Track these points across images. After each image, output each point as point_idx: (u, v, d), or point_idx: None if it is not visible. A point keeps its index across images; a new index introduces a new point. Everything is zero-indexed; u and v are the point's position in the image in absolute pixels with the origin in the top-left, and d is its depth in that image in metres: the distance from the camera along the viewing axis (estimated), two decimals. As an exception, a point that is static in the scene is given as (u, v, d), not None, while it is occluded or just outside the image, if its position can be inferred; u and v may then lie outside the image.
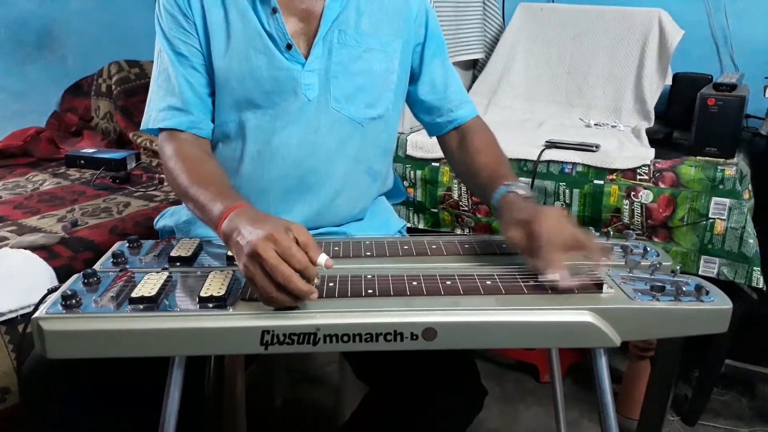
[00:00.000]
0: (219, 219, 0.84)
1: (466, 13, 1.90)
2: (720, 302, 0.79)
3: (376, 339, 0.75)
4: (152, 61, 1.09)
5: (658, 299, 0.79)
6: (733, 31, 1.85)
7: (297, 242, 0.76)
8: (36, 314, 0.76)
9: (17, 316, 1.25)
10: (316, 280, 0.76)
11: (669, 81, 1.77)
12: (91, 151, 2.17)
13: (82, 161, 2.10)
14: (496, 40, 2.04)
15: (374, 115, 1.09)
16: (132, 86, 2.41)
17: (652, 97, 1.74)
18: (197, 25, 1.02)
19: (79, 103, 2.47)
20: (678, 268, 0.86)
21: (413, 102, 1.18)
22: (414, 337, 0.75)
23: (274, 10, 1.00)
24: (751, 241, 1.35)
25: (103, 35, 2.55)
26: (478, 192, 1.14)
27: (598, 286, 0.81)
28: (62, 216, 1.65)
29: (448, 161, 1.22)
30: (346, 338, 0.75)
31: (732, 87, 1.44)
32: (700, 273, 1.41)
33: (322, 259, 0.77)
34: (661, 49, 1.75)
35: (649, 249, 0.96)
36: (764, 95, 1.56)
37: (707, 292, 0.80)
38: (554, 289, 0.81)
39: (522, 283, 0.83)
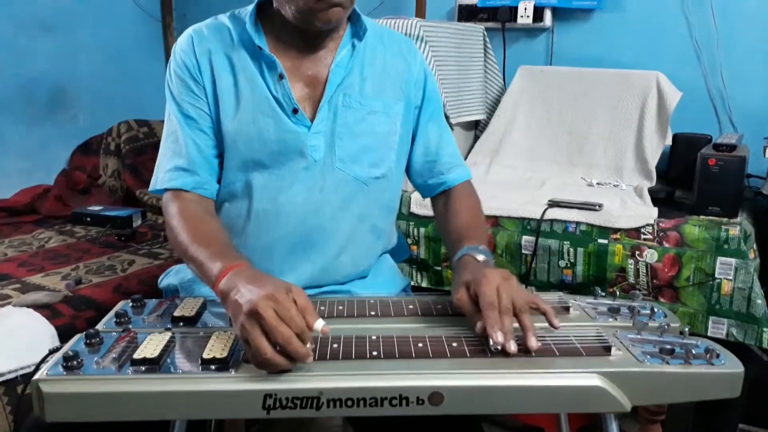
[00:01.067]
0: (217, 277, 0.84)
1: (467, 75, 1.95)
2: (731, 366, 0.78)
3: (381, 404, 0.74)
4: (161, 121, 1.11)
5: (668, 362, 0.77)
6: (730, 93, 1.89)
7: (296, 304, 0.75)
8: (36, 376, 0.75)
9: (17, 377, 1.24)
10: (309, 345, 0.76)
11: (669, 141, 1.79)
12: (97, 208, 2.19)
13: (89, 218, 2.12)
14: (497, 101, 2.08)
15: (378, 175, 1.11)
16: (140, 145, 2.46)
17: (653, 157, 1.76)
18: (207, 89, 1.05)
19: (88, 161, 2.52)
20: (687, 329, 0.85)
21: (407, 163, 1.20)
22: (420, 402, 0.74)
23: (281, 77, 1.04)
24: (759, 301, 1.34)
25: (114, 95, 2.62)
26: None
27: (607, 349, 0.80)
28: (66, 274, 1.65)
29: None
30: (350, 403, 0.74)
31: (732, 147, 1.46)
32: (708, 334, 1.39)
33: (319, 324, 0.76)
34: (660, 110, 1.78)
35: (656, 310, 0.95)
36: (764, 155, 1.58)
37: (718, 356, 0.79)
38: (503, 351, 0.79)
39: (530, 346, 0.82)
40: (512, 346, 0.79)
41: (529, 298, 0.86)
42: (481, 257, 0.96)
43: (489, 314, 0.81)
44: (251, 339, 0.74)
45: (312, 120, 1.05)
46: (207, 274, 0.87)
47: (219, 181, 1.09)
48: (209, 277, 0.86)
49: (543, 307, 0.86)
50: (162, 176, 1.06)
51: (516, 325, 0.83)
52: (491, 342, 0.79)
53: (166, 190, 1.06)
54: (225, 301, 0.81)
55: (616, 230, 1.45)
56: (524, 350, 0.81)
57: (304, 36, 1.04)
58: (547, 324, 0.85)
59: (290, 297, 0.75)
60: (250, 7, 1.06)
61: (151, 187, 1.08)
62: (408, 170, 1.21)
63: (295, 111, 1.04)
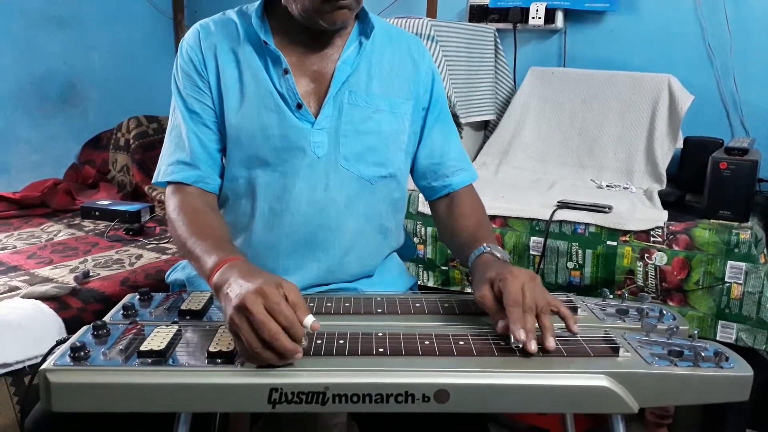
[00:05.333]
0: (212, 270, 0.84)
1: (478, 76, 1.95)
2: (740, 369, 0.77)
3: (387, 400, 0.73)
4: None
5: (676, 365, 0.77)
6: (742, 97, 1.88)
7: (287, 299, 0.75)
8: (44, 366, 0.75)
9: (25, 367, 1.24)
10: (304, 342, 0.76)
11: (680, 144, 1.78)
12: (106, 203, 2.20)
13: (97, 213, 2.13)
14: (507, 102, 2.08)
15: (384, 174, 1.10)
16: (149, 141, 2.47)
17: (663, 160, 1.75)
18: (211, 84, 1.05)
19: (98, 156, 2.53)
20: (696, 332, 0.84)
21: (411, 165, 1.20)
22: (426, 399, 0.73)
23: (286, 71, 1.03)
24: (769, 306, 1.33)
25: (124, 91, 2.64)
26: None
27: (615, 350, 0.79)
28: (75, 267, 1.66)
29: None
30: (355, 398, 0.73)
31: (744, 151, 1.44)
32: (717, 338, 1.38)
33: (309, 320, 0.76)
34: (671, 113, 1.77)
35: (665, 312, 0.95)
36: (776, 160, 1.57)
37: (727, 359, 0.78)
38: (522, 351, 0.79)
39: (547, 346, 0.81)
40: (533, 345, 0.79)
41: (551, 300, 0.86)
42: (499, 255, 0.97)
43: (513, 311, 0.81)
44: (240, 333, 0.74)
45: (316, 116, 1.05)
46: (202, 267, 0.88)
47: (222, 177, 1.09)
48: (204, 271, 0.87)
49: (563, 311, 0.86)
50: (164, 169, 1.06)
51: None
52: (512, 339, 0.80)
53: (167, 183, 1.06)
54: (218, 294, 0.81)
55: (625, 232, 1.45)
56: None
57: (311, 33, 1.04)
58: (556, 324, 0.85)
59: (280, 292, 0.75)
60: (258, 3, 1.06)
61: (154, 179, 1.09)
62: (412, 172, 1.20)
63: (299, 106, 1.04)
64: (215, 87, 1.05)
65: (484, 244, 0.99)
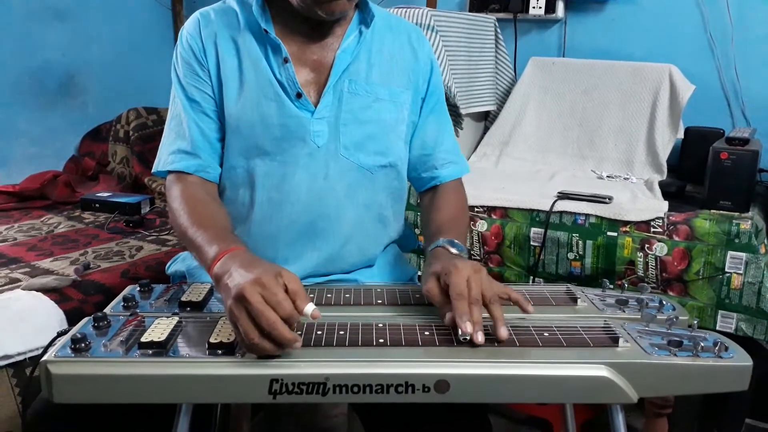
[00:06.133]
0: (213, 261, 0.84)
1: (478, 66, 1.94)
2: (740, 359, 0.77)
3: (387, 390, 0.74)
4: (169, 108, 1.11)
5: (675, 355, 0.77)
6: (743, 87, 1.87)
7: (286, 289, 0.75)
8: (45, 357, 0.76)
9: (25, 359, 1.24)
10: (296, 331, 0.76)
11: (681, 135, 1.78)
12: (106, 195, 2.20)
13: (97, 204, 2.13)
14: (507, 93, 2.07)
15: (384, 163, 1.10)
16: (149, 132, 2.46)
17: (664, 151, 1.75)
18: (211, 72, 1.05)
19: (97, 148, 2.52)
20: (695, 322, 0.84)
21: None
22: (426, 390, 0.74)
23: (285, 60, 1.03)
24: (768, 296, 1.33)
25: (123, 83, 2.63)
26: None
27: (614, 340, 0.80)
28: (75, 259, 1.66)
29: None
30: (356, 389, 0.74)
31: (745, 141, 1.44)
32: (717, 328, 1.38)
33: (309, 308, 0.76)
34: (672, 104, 1.77)
35: (665, 303, 0.95)
36: (777, 150, 1.56)
37: (726, 348, 0.78)
38: (471, 342, 0.79)
39: (537, 336, 0.81)
40: (480, 337, 0.78)
41: (498, 289, 0.85)
42: (454, 250, 0.96)
43: (458, 304, 0.81)
44: (239, 323, 0.74)
45: (316, 105, 1.04)
46: (203, 257, 0.88)
47: (221, 165, 1.08)
48: (205, 261, 0.87)
49: (513, 296, 0.86)
50: (165, 158, 1.06)
51: (486, 315, 0.83)
52: (459, 332, 0.79)
53: (168, 172, 1.06)
54: (218, 284, 0.81)
55: (625, 223, 1.44)
56: (532, 341, 0.80)
57: (311, 22, 1.03)
58: (549, 314, 0.85)
59: (279, 282, 0.75)
60: None
61: (154, 169, 1.09)
62: None
63: (299, 95, 1.03)
64: (215, 75, 1.05)
65: (442, 239, 0.99)
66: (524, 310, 0.86)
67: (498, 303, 0.83)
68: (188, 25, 1.07)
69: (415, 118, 1.14)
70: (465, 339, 0.79)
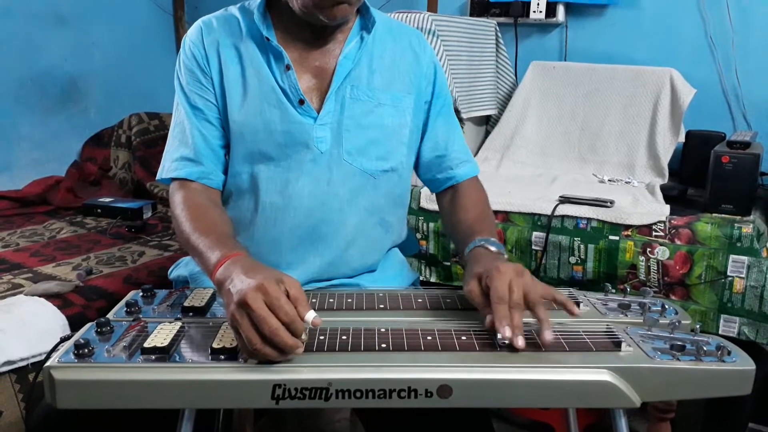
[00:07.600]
0: (215, 266, 0.84)
1: (479, 70, 1.94)
2: (743, 363, 0.77)
3: (390, 395, 0.74)
4: (171, 114, 1.12)
5: (678, 359, 0.77)
6: (744, 90, 1.87)
7: (288, 295, 0.75)
8: (48, 363, 0.76)
9: (28, 365, 1.25)
10: (303, 336, 0.76)
11: (682, 138, 1.78)
12: (108, 200, 2.20)
13: (99, 210, 2.13)
14: (509, 97, 2.07)
15: (387, 168, 1.10)
16: (151, 137, 2.47)
17: (665, 154, 1.75)
18: (214, 80, 1.05)
19: (99, 153, 2.53)
20: (698, 326, 0.84)
21: (415, 158, 1.20)
22: (428, 395, 0.74)
23: (288, 67, 1.04)
24: (771, 300, 1.33)
25: (125, 88, 2.64)
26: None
27: (617, 344, 0.80)
28: (77, 264, 1.66)
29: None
30: (358, 394, 0.74)
31: (746, 145, 1.44)
32: (720, 332, 1.38)
33: (310, 315, 0.76)
34: (673, 107, 1.77)
35: (667, 306, 0.95)
36: (779, 153, 1.56)
37: (729, 353, 0.78)
38: (510, 346, 0.79)
39: (539, 340, 0.81)
40: (520, 342, 0.78)
41: (543, 291, 0.84)
42: (493, 248, 0.96)
43: (498, 308, 0.81)
44: (241, 329, 0.74)
45: (319, 111, 1.05)
46: (206, 263, 0.88)
47: (225, 173, 1.09)
48: (208, 267, 0.87)
49: (559, 298, 0.85)
50: (168, 165, 1.07)
51: (533, 319, 0.82)
52: (499, 336, 0.79)
53: (172, 179, 1.07)
54: (220, 290, 0.82)
55: (627, 227, 1.44)
56: (533, 345, 0.80)
57: (313, 28, 1.04)
58: (552, 319, 0.85)
59: (281, 288, 0.75)
60: None
61: (158, 176, 1.09)
62: (416, 165, 1.21)
63: (302, 102, 1.04)
64: (218, 83, 1.05)
65: (478, 238, 0.99)
66: (570, 313, 0.85)
67: (542, 305, 0.82)
68: (191, 33, 1.08)
69: (419, 122, 1.15)
70: (504, 343, 0.78)
